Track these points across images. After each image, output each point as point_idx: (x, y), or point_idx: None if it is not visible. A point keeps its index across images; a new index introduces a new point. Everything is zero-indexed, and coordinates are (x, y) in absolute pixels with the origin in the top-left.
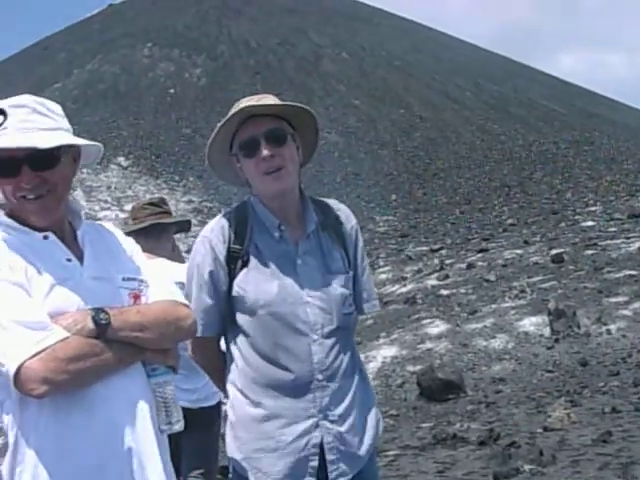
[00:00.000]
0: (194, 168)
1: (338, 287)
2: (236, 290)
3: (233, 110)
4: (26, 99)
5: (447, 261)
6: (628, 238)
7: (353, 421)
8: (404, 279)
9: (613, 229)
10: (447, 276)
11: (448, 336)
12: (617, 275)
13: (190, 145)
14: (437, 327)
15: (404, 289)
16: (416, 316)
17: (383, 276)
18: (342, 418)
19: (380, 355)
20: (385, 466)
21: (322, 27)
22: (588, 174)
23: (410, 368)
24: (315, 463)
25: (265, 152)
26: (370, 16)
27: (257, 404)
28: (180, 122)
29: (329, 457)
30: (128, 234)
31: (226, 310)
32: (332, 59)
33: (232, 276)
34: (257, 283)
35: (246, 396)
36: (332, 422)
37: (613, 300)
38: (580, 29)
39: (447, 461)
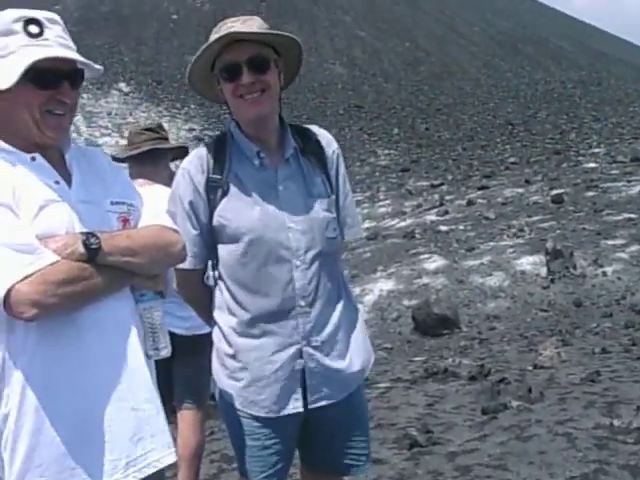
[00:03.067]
0: (196, 96)
1: (321, 211)
2: (217, 220)
3: (217, 33)
4: (55, 16)
5: (447, 197)
6: (629, 181)
7: (339, 347)
8: (404, 213)
9: (615, 172)
10: (446, 212)
11: (445, 272)
12: (616, 218)
13: None
14: (434, 262)
15: (403, 223)
16: (414, 251)
17: (383, 210)
18: (326, 344)
19: (377, 288)
20: (376, 397)
21: None
22: (593, 115)
23: (406, 302)
24: (300, 389)
25: (246, 79)
26: None
27: (242, 334)
28: (182, 49)
29: (310, 382)
30: (124, 159)
31: (209, 241)
32: None
33: (213, 206)
34: (238, 211)
35: (231, 327)
36: (315, 348)
37: (611, 243)
38: None
39: (437, 395)
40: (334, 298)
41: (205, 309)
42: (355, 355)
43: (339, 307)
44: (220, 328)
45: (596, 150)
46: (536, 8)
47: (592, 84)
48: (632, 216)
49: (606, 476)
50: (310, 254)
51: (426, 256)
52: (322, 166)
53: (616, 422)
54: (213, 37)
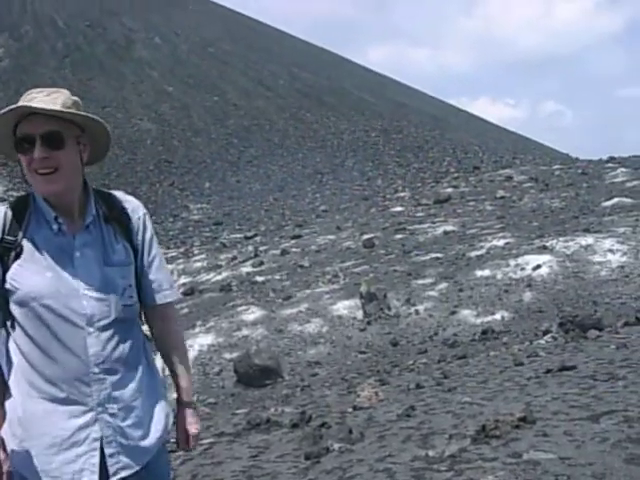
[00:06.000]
0: None
1: (117, 278)
2: (9, 282)
3: (17, 104)
4: None
5: (261, 248)
6: (434, 222)
7: (137, 413)
8: (219, 267)
9: (420, 214)
10: (262, 263)
11: (264, 322)
12: (424, 258)
13: None
14: (253, 314)
15: (219, 277)
16: (232, 303)
17: (198, 264)
18: (123, 411)
19: (197, 344)
20: (200, 455)
21: (134, 11)
22: (397, 161)
23: (227, 355)
24: (95, 460)
25: (37, 154)
26: (184, 1)
27: (34, 399)
28: None
29: (108, 450)
30: None
31: (3, 302)
32: (145, 44)
33: (5, 268)
34: (29, 276)
35: (22, 391)
36: (112, 415)
37: (420, 282)
38: (388, 24)
39: (261, 445)
40: (133, 364)
41: None
42: (154, 421)
43: (138, 373)
44: (11, 394)
45: (401, 194)
46: (337, 61)
47: (394, 132)
48: (438, 255)
49: None
50: (105, 321)
51: (244, 308)
52: (126, 233)
53: (431, 452)
54: (8, 108)
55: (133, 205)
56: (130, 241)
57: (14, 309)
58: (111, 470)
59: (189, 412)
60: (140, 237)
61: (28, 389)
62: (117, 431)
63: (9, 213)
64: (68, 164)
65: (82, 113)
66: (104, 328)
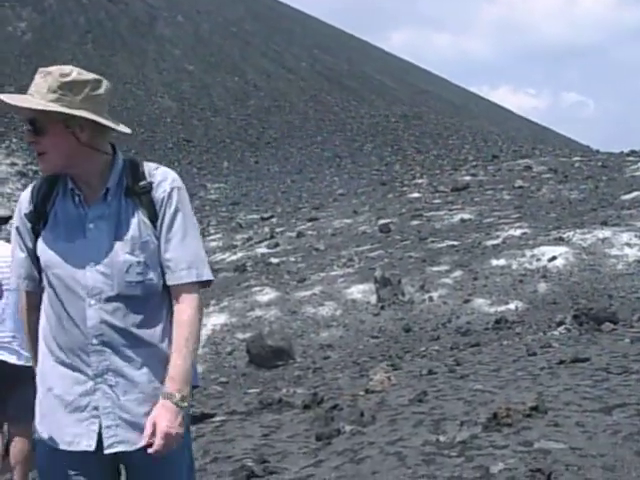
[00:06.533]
0: (18, 129)
1: (123, 254)
2: (38, 251)
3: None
4: None
5: (277, 229)
6: (451, 210)
7: (142, 389)
8: (234, 247)
9: (437, 201)
10: (277, 244)
11: (277, 304)
12: (440, 245)
13: None
14: (267, 295)
15: (234, 257)
16: (246, 284)
17: (214, 244)
18: (125, 385)
19: (210, 323)
20: (211, 431)
21: None
22: (416, 147)
23: (240, 335)
24: (96, 427)
25: (26, 137)
26: None
27: (50, 361)
28: (2, 79)
29: (105, 422)
30: None
31: (38, 268)
32: (167, 22)
33: (37, 236)
34: (47, 244)
35: (44, 353)
36: (111, 387)
37: (435, 269)
38: (412, 8)
39: (272, 425)
40: (144, 340)
41: (30, 335)
42: None
43: (148, 351)
44: (40, 353)
45: (419, 181)
46: (358, 45)
47: (414, 118)
48: (454, 243)
49: None
50: (106, 295)
51: (258, 289)
52: (147, 208)
53: (442, 438)
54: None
55: (160, 178)
56: (151, 216)
57: (44, 276)
58: (106, 442)
59: (161, 404)
60: (162, 212)
61: (47, 351)
62: (116, 404)
63: (44, 184)
64: (53, 148)
65: (39, 107)
66: (105, 302)
